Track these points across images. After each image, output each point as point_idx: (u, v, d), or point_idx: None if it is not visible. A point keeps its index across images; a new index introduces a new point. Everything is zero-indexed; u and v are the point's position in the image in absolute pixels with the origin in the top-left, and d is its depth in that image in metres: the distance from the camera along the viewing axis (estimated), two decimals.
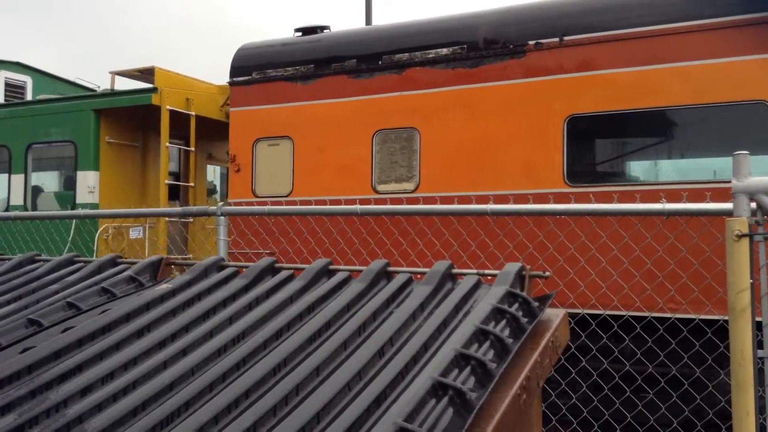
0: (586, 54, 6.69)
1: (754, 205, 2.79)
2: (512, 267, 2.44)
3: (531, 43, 6.91)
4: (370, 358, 1.92)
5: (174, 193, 10.26)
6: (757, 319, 2.71)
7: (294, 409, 1.72)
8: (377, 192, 7.49)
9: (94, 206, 9.54)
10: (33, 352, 2.12)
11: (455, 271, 2.58)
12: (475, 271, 2.61)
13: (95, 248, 9.27)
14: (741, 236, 2.63)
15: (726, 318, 2.81)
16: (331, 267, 2.76)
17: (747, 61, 6.06)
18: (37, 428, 1.74)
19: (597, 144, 7.21)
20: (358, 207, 4.50)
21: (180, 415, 1.76)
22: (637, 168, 7.40)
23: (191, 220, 9.81)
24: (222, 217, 4.91)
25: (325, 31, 8.54)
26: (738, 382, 2.60)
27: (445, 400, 1.70)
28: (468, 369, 1.84)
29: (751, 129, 6.27)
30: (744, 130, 6.43)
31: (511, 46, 7.01)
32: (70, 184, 10.23)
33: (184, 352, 2.12)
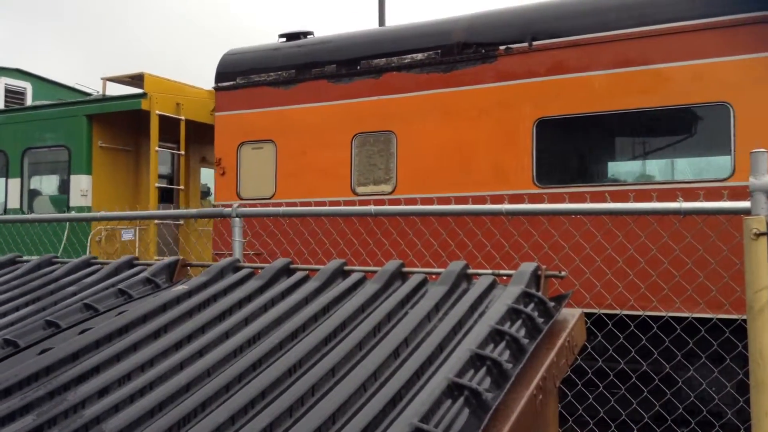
0: (555, 58, 6.77)
1: None
2: (528, 267, 2.43)
3: (502, 48, 6.99)
4: (385, 359, 1.92)
5: (168, 197, 10.38)
6: None
7: (310, 409, 1.73)
8: (356, 194, 7.59)
9: (88, 209, 9.67)
10: (51, 353, 2.14)
11: (470, 271, 2.57)
12: (490, 271, 2.60)
13: (88, 251, 9.35)
14: (759, 234, 2.61)
15: (744, 317, 2.79)
16: (346, 268, 2.76)
17: (712, 63, 6.12)
18: (56, 429, 1.76)
19: (565, 146, 7.30)
20: (372, 207, 4.49)
21: (197, 415, 1.77)
22: (605, 169, 7.54)
23: (183, 222, 9.90)
24: (237, 219, 4.91)
25: (308, 36, 8.64)
26: (756, 382, 2.57)
27: (461, 400, 1.69)
28: (484, 369, 1.83)
29: (714, 130, 6.34)
30: (709, 132, 6.49)
31: (483, 51, 7.09)
32: (64, 187, 10.38)
33: (200, 353, 2.13)
